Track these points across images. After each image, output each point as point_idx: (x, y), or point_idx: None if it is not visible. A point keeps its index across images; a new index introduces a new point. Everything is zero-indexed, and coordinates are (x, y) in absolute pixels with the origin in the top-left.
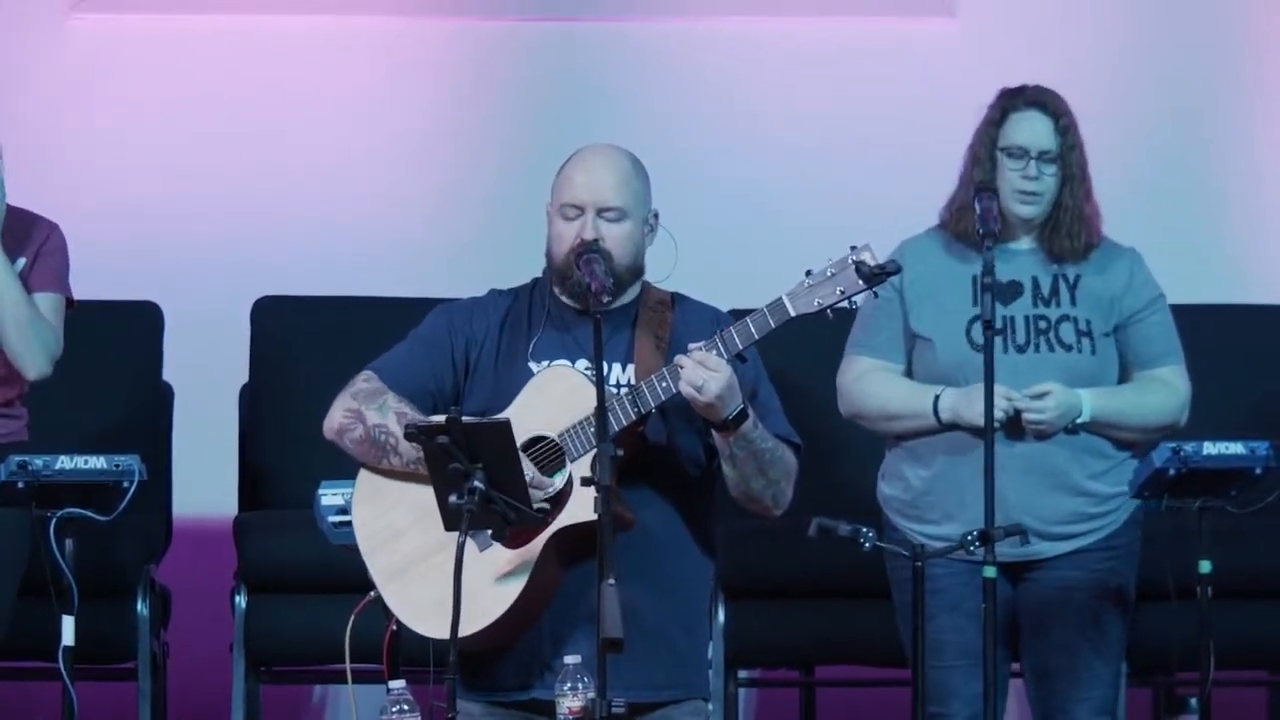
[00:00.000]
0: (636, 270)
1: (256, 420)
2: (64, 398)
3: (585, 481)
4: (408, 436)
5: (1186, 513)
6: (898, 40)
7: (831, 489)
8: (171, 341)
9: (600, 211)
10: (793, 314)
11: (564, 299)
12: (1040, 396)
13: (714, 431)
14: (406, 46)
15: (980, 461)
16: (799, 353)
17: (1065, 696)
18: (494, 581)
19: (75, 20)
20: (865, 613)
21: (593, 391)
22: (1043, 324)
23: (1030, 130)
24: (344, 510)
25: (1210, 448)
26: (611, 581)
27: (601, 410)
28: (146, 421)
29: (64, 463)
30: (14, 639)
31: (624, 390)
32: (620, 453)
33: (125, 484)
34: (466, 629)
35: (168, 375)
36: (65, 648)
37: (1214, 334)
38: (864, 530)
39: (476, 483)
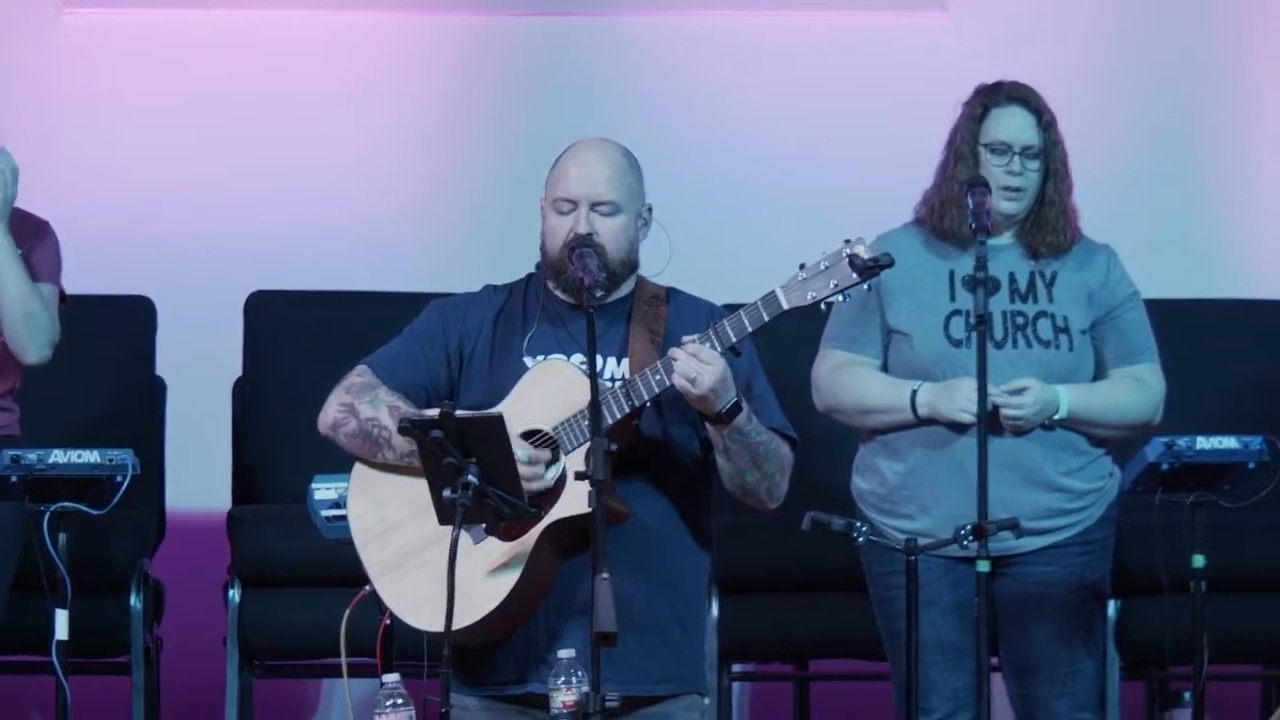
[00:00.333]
0: (630, 264)
1: (249, 414)
2: (57, 392)
3: (579, 476)
4: (401, 431)
5: (1180, 507)
6: (890, 34)
7: (805, 483)
8: (164, 336)
9: (594, 206)
10: (786, 306)
11: (558, 293)
12: (1018, 392)
13: (708, 424)
14: (399, 41)
15: (955, 455)
16: (786, 347)
17: (1044, 692)
18: (488, 574)
19: (67, 15)
20: (859, 606)
21: (586, 385)
22: (1020, 320)
23: (1014, 125)
24: (337, 504)
25: (1204, 442)
26: (605, 576)
27: (595, 405)
28: (140, 416)
29: (57, 457)
30: (7, 633)
31: (618, 384)
32: (614, 446)
33: (119, 478)
34: (461, 622)
35: (161, 369)
36: (59, 642)
37: (1206, 329)
38: (857, 524)
39: (470, 477)
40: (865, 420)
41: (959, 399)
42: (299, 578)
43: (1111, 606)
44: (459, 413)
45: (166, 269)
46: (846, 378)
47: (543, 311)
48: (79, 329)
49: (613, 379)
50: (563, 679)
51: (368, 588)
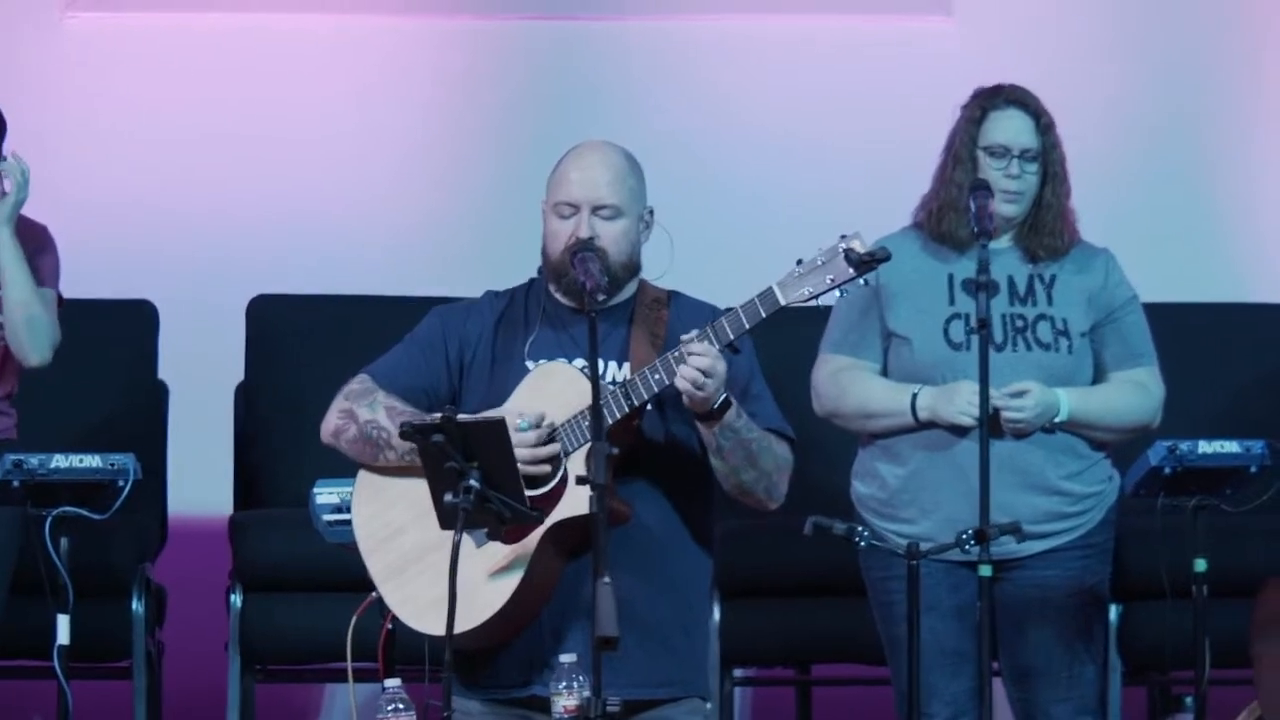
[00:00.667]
0: (632, 268)
1: (252, 419)
2: (59, 396)
3: (580, 480)
4: (403, 435)
5: (1182, 511)
6: (895, 39)
7: (804, 487)
8: (167, 340)
9: (595, 209)
10: (783, 302)
11: (559, 298)
12: (1019, 395)
13: (698, 422)
14: (403, 45)
15: (956, 459)
16: (785, 350)
17: (1044, 697)
18: (490, 578)
19: (71, 18)
20: (861, 611)
21: (587, 386)
22: (1020, 323)
23: (1012, 129)
24: (339, 509)
25: (1206, 446)
26: (606, 580)
27: (597, 408)
28: (142, 420)
29: (59, 461)
30: (9, 638)
31: (618, 386)
32: (616, 450)
33: (120, 483)
34: (463, 625)
35: (163, 374)
36: (60, 646)
37: (1208, 332)
38: (859, 529)
39: (472, 481)
40: (866, 424)
41: (959, 402)
42: (301, 582)
43: (1113, 611)
44: (461, 417)
45: (169, 273)
46: (847, 382)
47: (544, 316)
48: (82, 333)
49: (614, 382)
50: (564, 683)
51: (374, 594)
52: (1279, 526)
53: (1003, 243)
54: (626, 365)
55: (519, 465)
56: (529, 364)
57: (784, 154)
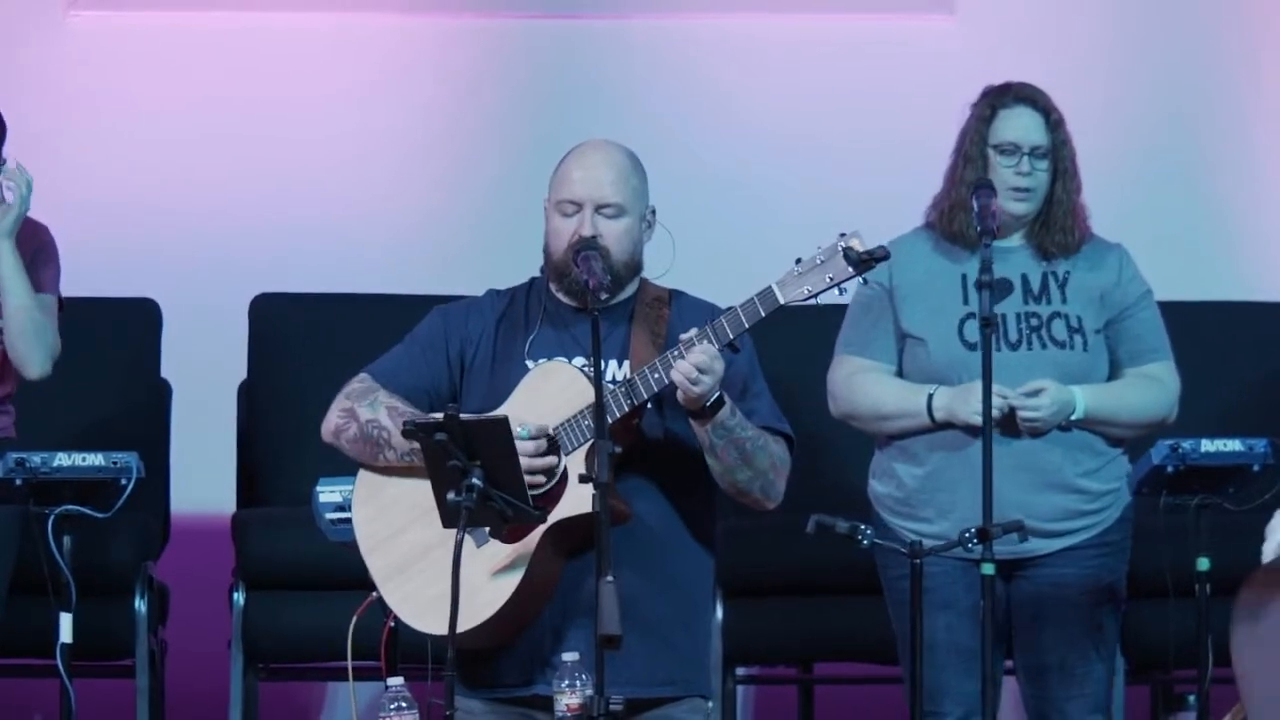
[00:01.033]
0: (634, 267)
1: (254, 417)
2: (62, 395)
3: (583, 479)
4: (405, 434)
5: (1185, 510)
6: (897, 37)
7: (818, 486)
8: (170, 338)
9: (598, 208)
10: (782, 301)
11: (561, 296)
12: (1034, 394)
13: (691, 420)
14: (405, 44)
15: (973, 460)
16: (790, 349)
17: (1058, 694)
18: (491, 576)
19: (74, 16)
20: (863, 609)
21: (587, 384)
22: (1034, 321)
23: (1022, 126)
24: (342, 507)
25: (1208, 445)
26: (610, 579)
27: (599, 407)
28: (145, 418)
29: (62, 460)
30: (11, 636)
31: (618, 386)
32: (618, 449)
33: (123, 481)
34: (464, 624)
35: (166, 372)
36: (63, 645)
37: (1210, 331)
38: (862, 528)
39: (475, 480)
40: (882, 426)
41: (974, 403)
42: (304, 581)
43: None
44: (463, 416)
45: (172, 271)
46: (862, 384)
47: (545, 315)
48: (85, 332)
49: (614, 381)
50: (566, 682)
51: (374, 594)
52: None
53: (1014, 241)
54: (627, 364)
55: None
56: (529, 364)
57: (785, 153)
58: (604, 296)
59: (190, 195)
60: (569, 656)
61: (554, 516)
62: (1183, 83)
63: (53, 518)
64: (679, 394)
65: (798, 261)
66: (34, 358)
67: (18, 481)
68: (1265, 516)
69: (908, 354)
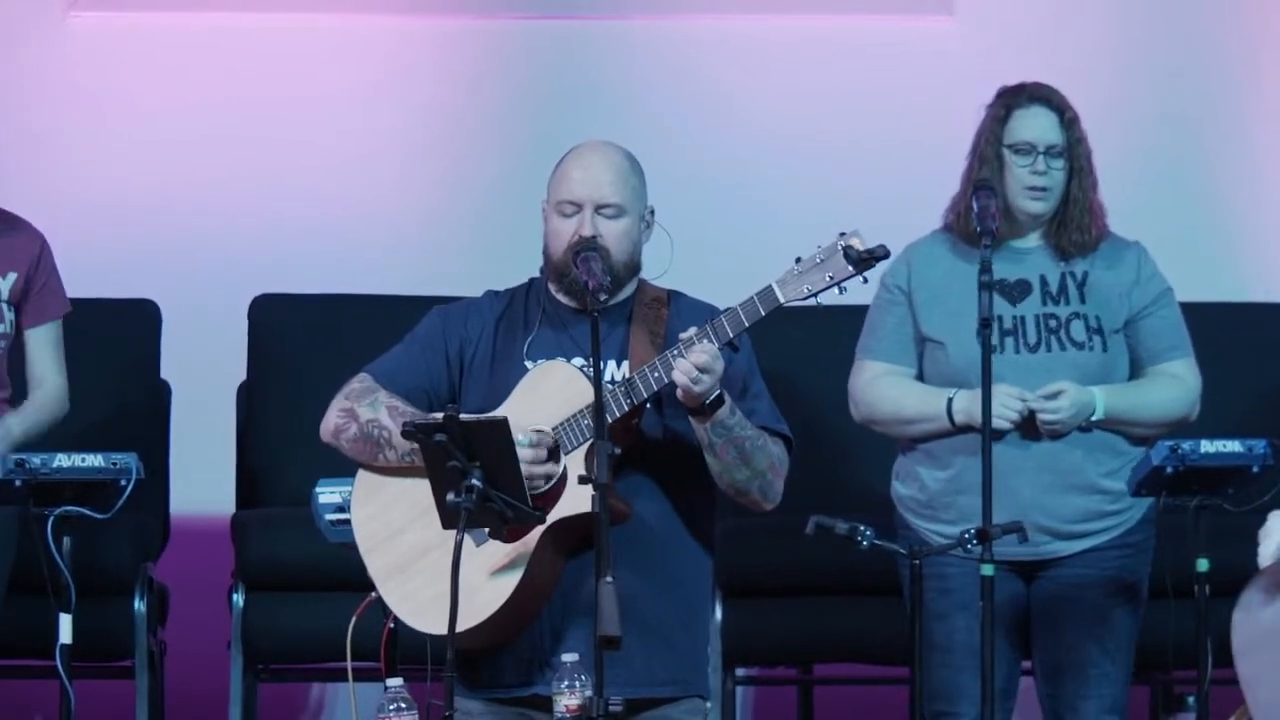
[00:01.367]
0: (634, 267)
1: (254, 418)
2: None
3: (582, 480)
4: (405, 435)
5: (1184, 511)
6: (897, 38)
7: (839, 488)
8: (169, 339)
9: (598, 208)
10: (782, 301)
11: (560, 297)
12: (1054, 396)
13: (690, 418)
14: (405, 45)
15: (998, 463)
16: (804, 352)
17: (1074, 694)
18: (490, 577)
19: (74, 17)
20: (863, 610)
21: (586, 384)
22: (1053, 323)
23: (1037, 126)
24: (341, 508)
25: (1208, 446)
26: (609, 579)
27: (599, 407)
28: (144, 419)
29: (61, 460)
30: (11, 637)
31: (618, 386)
32: (618, 450)
33: (123, 482)
34: (463, 624)
35: (165, 373)
36: (63, 646)
37: (1211, 332)
38: (861, 529)
39: (474, 481)
40: (903, 430)
41: (994, 406)
42: (303, 582)
43: None
44: (463, 416)
45: (171, 272)
46: (883, 388)
47: (544, 316)
48: (85, 333)
49: (613, 381)
50: (566, 682)
51: (373, 594)
52: None
53: (1031, 241)
54: (626, 364)
55: None
56: (528, 364)
57: (785, 154)
58: (603, 297)
59: (190, 195)
60: (568, 657)
61: (553, 516)
62: (1183, 83)
63: (52, 518)
64: (679, 392)
65: (797, 260)
66: (56, 418)
67: (17, 482)
68: (1264, 517)
69: (927, 357)
